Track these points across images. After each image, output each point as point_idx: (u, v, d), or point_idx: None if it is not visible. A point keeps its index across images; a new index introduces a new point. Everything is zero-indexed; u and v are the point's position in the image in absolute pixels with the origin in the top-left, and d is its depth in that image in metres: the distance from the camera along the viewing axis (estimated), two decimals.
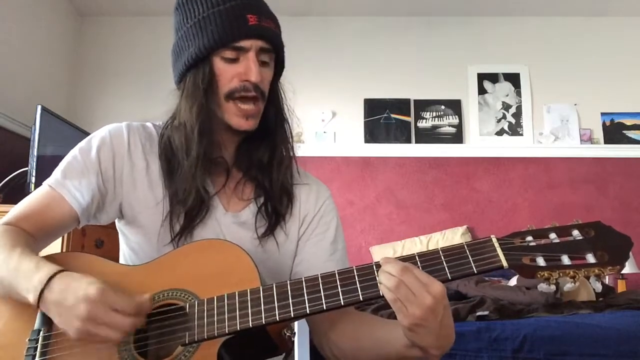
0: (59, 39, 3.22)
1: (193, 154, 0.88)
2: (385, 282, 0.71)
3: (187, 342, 0.76)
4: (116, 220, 0.98)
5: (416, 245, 3.05)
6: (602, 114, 3.29)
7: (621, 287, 2.80)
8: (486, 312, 1.74)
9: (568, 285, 0.73)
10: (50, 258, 0.82)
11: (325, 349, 0.94)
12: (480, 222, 3.19)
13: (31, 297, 0.73)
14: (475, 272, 0.74)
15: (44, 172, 2.10)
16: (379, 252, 3.07)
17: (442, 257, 0.76)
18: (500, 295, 1.94)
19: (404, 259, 0.77)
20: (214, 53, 0.88)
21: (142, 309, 0.74)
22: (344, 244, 1.03)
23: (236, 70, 0.88)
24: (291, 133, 0.98)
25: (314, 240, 0.99)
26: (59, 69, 3.22)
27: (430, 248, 3.26)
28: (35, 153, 2.19)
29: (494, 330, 1.53)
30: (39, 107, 2.25)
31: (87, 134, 0.96)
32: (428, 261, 0.76)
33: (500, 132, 3.31)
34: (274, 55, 0.94)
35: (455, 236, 3.05)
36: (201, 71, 0.88)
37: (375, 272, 0.76)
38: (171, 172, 0.91)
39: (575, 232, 0.76)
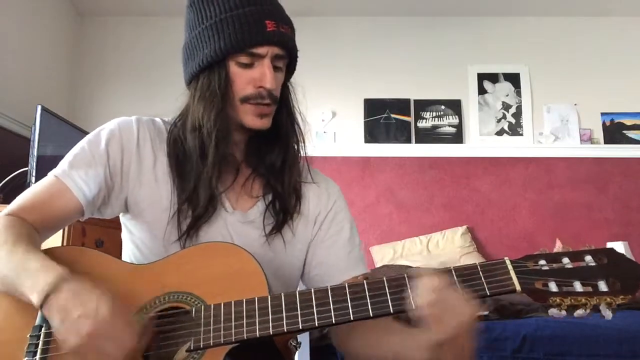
0: (59, 39, 3.22)
1: (210, 159, 0.87)
2: (423, 295, 0.71)
3: (192, 347, 0.75)
4: (120, 215, 0.97)
5: (416, 245, 3.05)
6: (602, 114, 3.29)
7: None
8: (486, 312, 1.73)
9: (579, 312, 0.73)
10: (55, 252, 0.81)
11: (343, 350, 0.95)
12: (480, 222, 3.19)
13: (35, 298, 0.72)
14: (488, 294, 0.74)
15: (44, 172, 2.09)
16: (379, 252, 3.07)
17: (455, 277, 0.75)
18: (501, 295, 1.94)
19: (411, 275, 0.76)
20: (229, 57, 0.87)
21: (147, 329, 0.73)
22: (359, 239, 1.03)
23: (251, 76, 0.88)
24: (302, 134, 0.98)
25: (329, 242, 0.99)
26: (59, 69, 3.22)
27: (430, 248, 3.27)
28: (35, 153, 2.19)
29: (494, 330, 1.53)
30: (39, 107, 2.25)
31: (87, 134, 0.96)
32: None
33: (500, 132, 3.31)
34: (287, 60, 0.93)
35: (455, 236, 3.05)
36: (216, 74, 0.87)
37: (387, 288, 0.75)
38: (182, 173, 0.90)
39: (588, 258, 0.75)
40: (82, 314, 0.69)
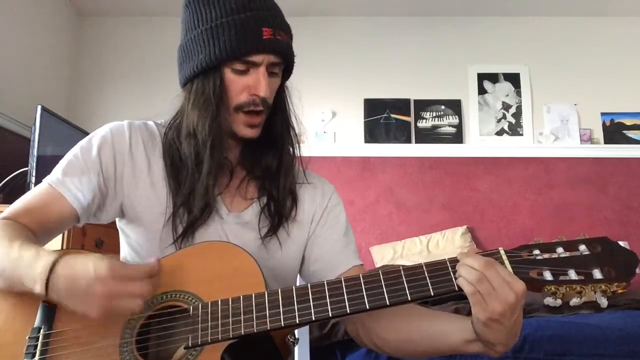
0: (59, 39, 3.22)
1: (206, 167, 0.87)
2: (466, 275, 0.71)
3: (190, 344, 0.75)
4: (117, 219, 0.97)
5: (416, 245, 3.05)
6: (602, 114, 3.29)
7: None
8: None
9: (574, 300, 0.74)
10: None
11: (362, 336, 0.93)
12: (480, 222, 3.19)
13: (38, 287, 0.72)
14: None
15: (44, 172, 2.10)
16: (379, 252, 3.07)
17: (450, 267, 0.76)
18: None
19: (412, 267, 0.77)
20: (224, 64, 0.87)
21: (152, 272, 0.75)
22: (353, 236, 1.03)
23: (245, 83, 0.88)
24: (297, 138, 0.98)
25: (325, 236, 0.99)
26: (59, 69, 3.22)
27: (430, 248, 3.26)
28: (35, 153, 2.19)
29: None
30: (39, 107, 2.25)
31: (87, 134, 0.96)
32: (435, 271, 0.76)
33: (500, 132, 3.31)
34: (283, 67, 0.93)
35: (455, 236, 3.05)
36: (211, 80, 0.87)
37: (382, 279, 0.76)
38: (178, 177, 0.90)
39: (582, 247, 0.76)
40: (87, 283, 0.70)
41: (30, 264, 0.74)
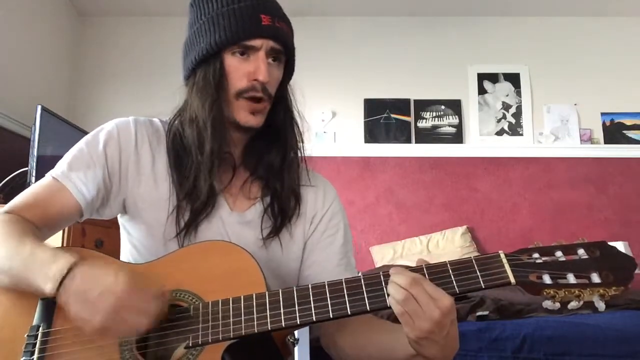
0: (59, 39, 3.22)
1: (207, 148, 0.87)
2: (394, 295, 0.71)
3: (190, 344, 0.75)
4: (119, 216, 0.97)
5: (416, 245, 3.05)
6: (602, 114, 3.29)
7: None
8: (486, 312, 1.74)
9: (572, 304, 0.74)
10: None
11: (332, 351, 0.95)
12: (480, 222, 3.19)
13: (49, 287, 0.71)
14: (483, 287, 0.74)
15: (44, 172, 2.10)
16: (379, 252, 3.07)
17: (450, 271, 0.76)
18: (500, 295, 1.94)
19: (412, 270, 0.76)
20: (224, 50, 0.88)
21: (162, 308, 0.74)
22: (351, 245, 1.04)
23: (246, 69, 0.89)
24: (301, 135, 0.99)
25: (324, 244, 0.99)
26: (59, 69, 3.22)
27: (430, 248, 3.26)
28: (35, 153, 2.19)
29: (494, 330, 1.53)
30: (39, 107, 2.25)
31: (87, 134, 0.96)
32: (436, 274, 0.76)
33: (500, 132, 3.31)
34: (285, 58, 0.94)
35: (455, 236, 3.05)
36: (212, 67, 0.88)
37: (383, 282, 0.76)
38: (180, 167, 0.91)
39: (581, 251, 0.76)
40: (103, 291, 0.69)
41: (44, 263, 0.73)
